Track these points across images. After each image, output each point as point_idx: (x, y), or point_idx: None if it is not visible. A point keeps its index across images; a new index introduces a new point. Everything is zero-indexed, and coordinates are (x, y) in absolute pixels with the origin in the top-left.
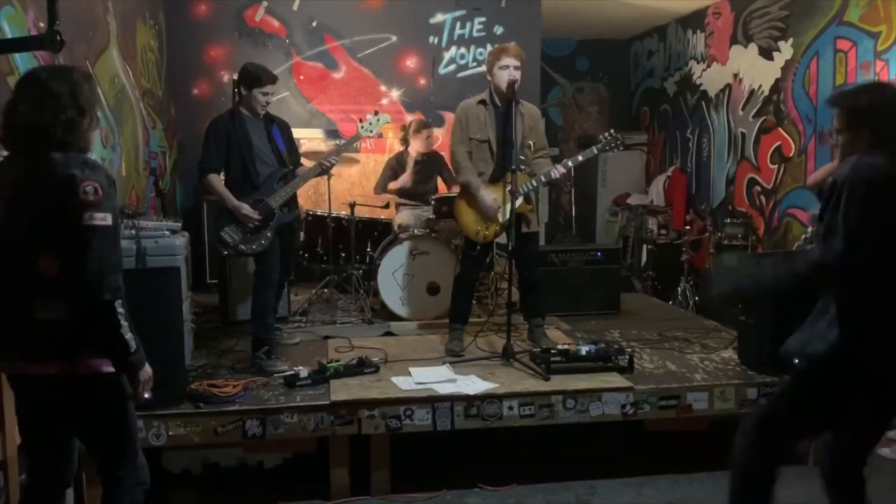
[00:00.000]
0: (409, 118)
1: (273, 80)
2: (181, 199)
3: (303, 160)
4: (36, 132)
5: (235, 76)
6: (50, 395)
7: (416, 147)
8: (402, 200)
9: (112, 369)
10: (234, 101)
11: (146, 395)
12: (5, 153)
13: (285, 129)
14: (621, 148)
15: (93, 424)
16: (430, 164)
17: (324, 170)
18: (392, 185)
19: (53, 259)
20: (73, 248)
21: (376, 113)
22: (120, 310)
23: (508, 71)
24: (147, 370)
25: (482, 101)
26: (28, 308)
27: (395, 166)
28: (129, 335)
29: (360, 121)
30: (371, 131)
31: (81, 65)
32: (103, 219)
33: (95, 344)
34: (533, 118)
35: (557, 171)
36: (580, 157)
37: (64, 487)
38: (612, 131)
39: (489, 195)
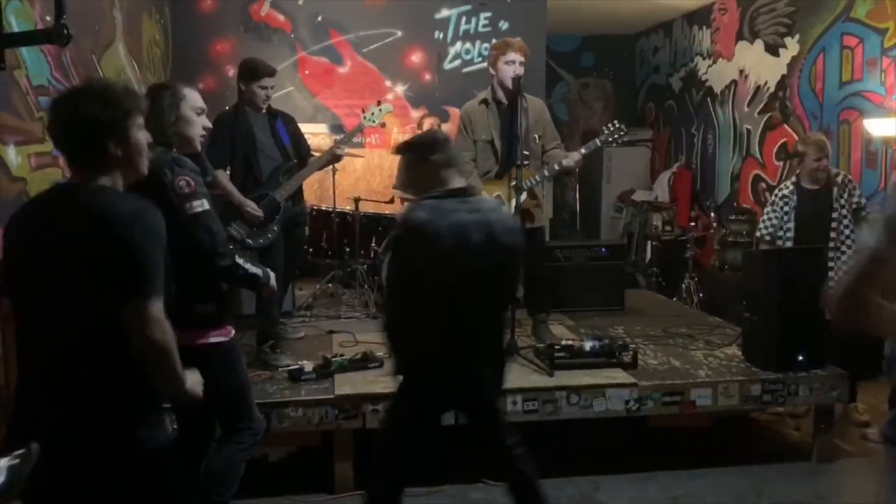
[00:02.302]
0: (414, 113)
1: (271, 72)
2: None
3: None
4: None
5: None
6: None
7: None
8: (410, 195)
9: (215, 340)
10: (238, 95)
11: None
12: None
13: (290, 122)
14: (624, 136)
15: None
16: None
17: (331, 160)
18: None
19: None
20: (184, 237)
21: (379, 103)
22: (238, 262)
23: (514, 67)
24: (271, 277)
25: (484, 101)
26: None
27: None
28: (252, 270)
29: (363, 111)
30: (374, 121)
31: (87, 59)
32: (201, 205)
33: (200, 317)
34: (537, 111)
35: (573, 157)
36: (583, 150)
37: (207, 441)
38: (615, 122)
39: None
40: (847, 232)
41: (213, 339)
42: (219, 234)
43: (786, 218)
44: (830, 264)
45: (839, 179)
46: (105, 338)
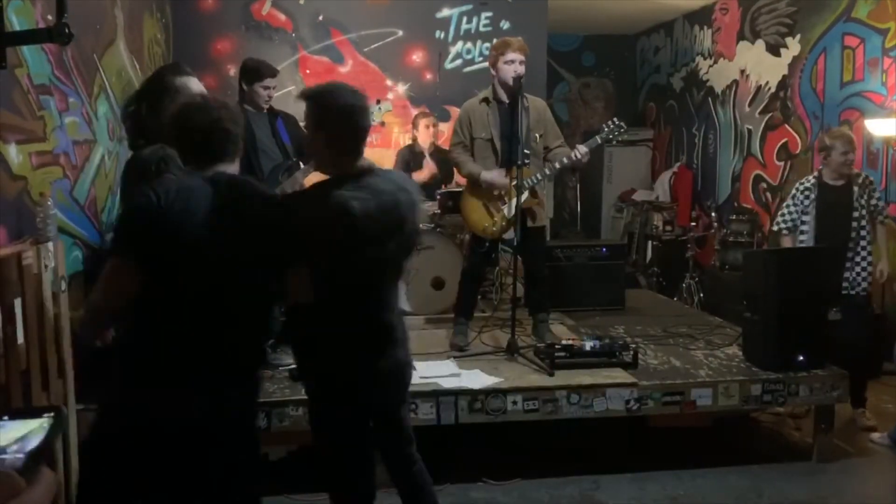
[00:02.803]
0: (415, 112)
1: (273, 73)
2: None
3: None
4: None
5: None
6: None
7: (423, 139)
8: None
9: None
10: (239, 95)
11: None
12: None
13: (291, 122)
14: (624, 133)
15: None
16: (443, 156)
17: None
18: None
19: None
20: None
21: (378, 101)
22: None
23: (514, 66)
24: None
25: (485, 99)
26: None
27: (408, 158)
28: None
29: None
30: (374, 119)
31: (89, 57)
32: None
33: None
34: (538, 111)
35: (580, 150)
36: (584, 148)
37: None
38: (615, 119)
39: (492, 171)
40: (864, 233)
41: None
42: None
43: (805, 211)
44: (847, 264)
45: (860, 179)
46: (266, 300)
